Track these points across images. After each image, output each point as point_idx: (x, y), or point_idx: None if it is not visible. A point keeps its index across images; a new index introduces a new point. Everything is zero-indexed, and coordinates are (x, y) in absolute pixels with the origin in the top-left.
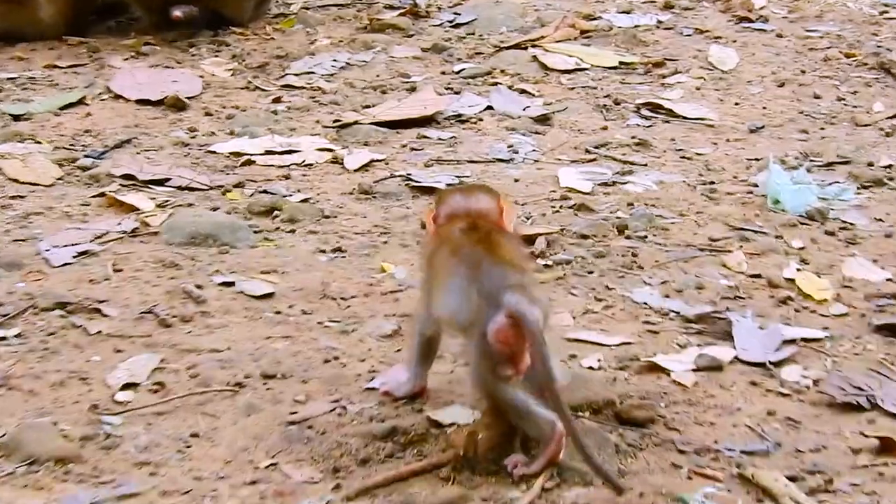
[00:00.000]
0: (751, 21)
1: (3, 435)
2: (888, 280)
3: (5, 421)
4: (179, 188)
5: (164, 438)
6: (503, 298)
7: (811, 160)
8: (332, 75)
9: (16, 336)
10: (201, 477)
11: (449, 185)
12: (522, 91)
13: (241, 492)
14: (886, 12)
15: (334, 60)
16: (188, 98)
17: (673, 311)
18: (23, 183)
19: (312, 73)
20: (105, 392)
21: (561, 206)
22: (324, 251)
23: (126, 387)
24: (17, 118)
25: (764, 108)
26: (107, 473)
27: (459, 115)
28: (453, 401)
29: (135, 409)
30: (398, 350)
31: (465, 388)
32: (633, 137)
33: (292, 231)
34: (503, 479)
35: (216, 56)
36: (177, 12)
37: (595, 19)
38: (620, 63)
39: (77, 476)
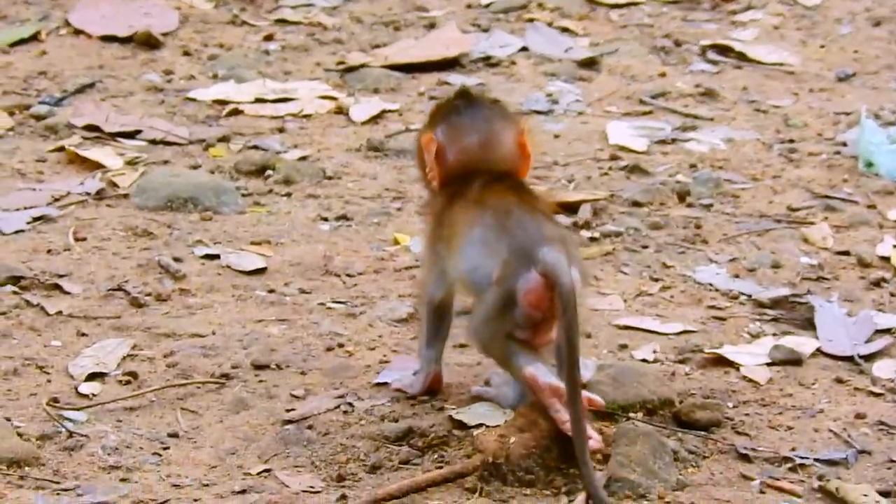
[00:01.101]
0: None
1: None
2: None
3: None
4: (153, 142)
5: (136, 438)
6: (539, 253)
7: None
8: (334, 8)
9: None
10: (181, 484)
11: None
12: (564, 29)
13: (228, 502)
14: None
15: None
16: (162, 34)
17: (743, 294)
18: None
19: (311, 4)
20: (67, 383)
21: (610, 168)
22: (326, 219)
23: (91, 377)
24: None
25: (855, 51)
26: (69, 479)
27: (488, 58)
28: (480, 397)
29: (102, 403)
30: (414, 337)
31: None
32: (696, 86)
33: (288, 195)
34: (539, 490)
35: None
36: None
37: None
38: None
39: (34, 481)
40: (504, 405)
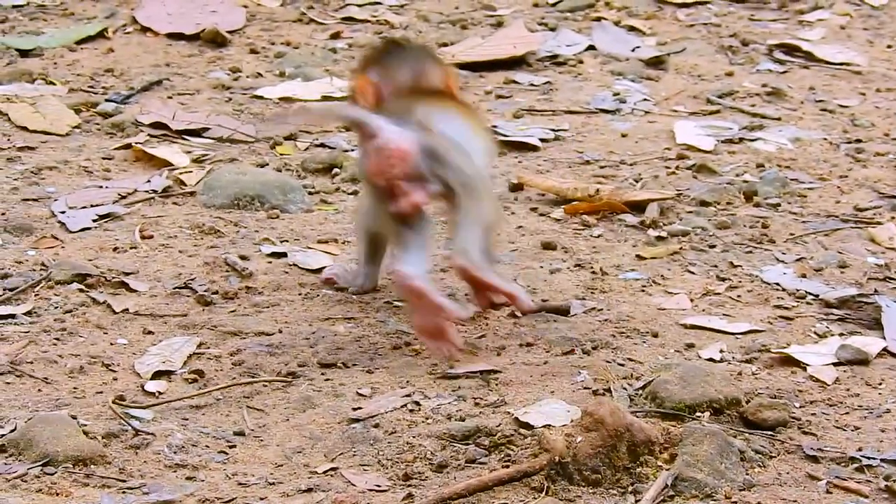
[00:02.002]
0: None
1: (13, 430)
2: None
3: (15, 414)
4: (220, 140)
5: (202, 437)
6: (378, 129)
7: None
8: (401, 6)
9: (26, 314)
10: (247, 483)
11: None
12: (631, 28)
13: (294, 501)
14: None
15: None
16: (229, 32)
17: (810, 294)
18: (33, 132)
19: (378, 2)
20: (133, 381)
21: (677, 167)
22: None
23: (158, 375)
24: (25, 54)
25: None
26: (135, 477)
27: (555, 56)
28: (546, 396)
29: (168, 401)
30: (481, 335)
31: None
32: (763, 85)
33: (355, 192)
34: (606, 489)
35: None
36: None
37: None
38: None
39: (100, 480)
40: (350, 288)
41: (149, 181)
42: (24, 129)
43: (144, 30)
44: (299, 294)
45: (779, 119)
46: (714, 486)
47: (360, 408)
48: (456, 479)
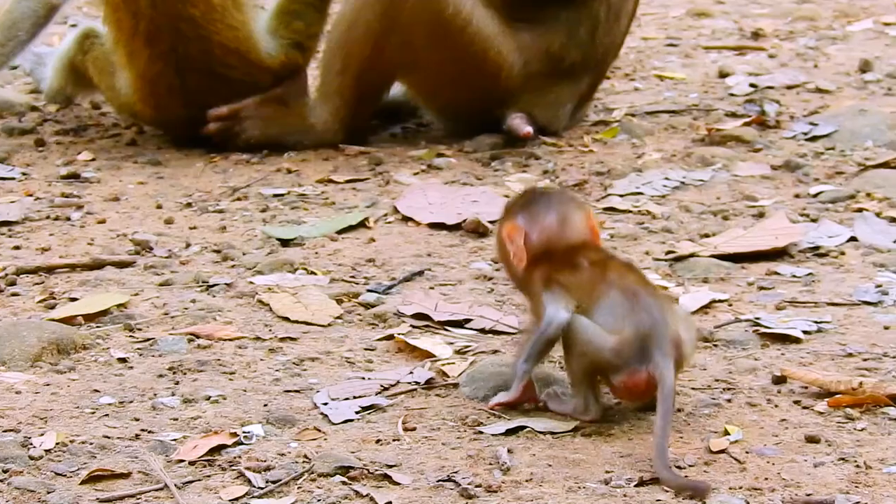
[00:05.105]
0: None
1: None
2: None
3: None
4: (482, 331)
5: None
6: (654, 354)
7: None
8: (663, 197)
9: None
10: None
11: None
12: (893, 219)
13: None
14: None
15: (666, 179)
16: (490, 222)
17: None
18: (294, 322)
19: (640, 193)
20: None
21: None
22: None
23: None
24: (286, 243)
25: None
26: None
27: (817, 248)
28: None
29: None
30: None
31: None
32: None
33: None
34: None
35: (524, 171)
36: (526, 128)
37: None
38: None
39: None
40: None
41: (411, 373)
42: (286, 319)
43: (406, 219)
44: (563, 486)
45: None
46: None
47: None
48: None
